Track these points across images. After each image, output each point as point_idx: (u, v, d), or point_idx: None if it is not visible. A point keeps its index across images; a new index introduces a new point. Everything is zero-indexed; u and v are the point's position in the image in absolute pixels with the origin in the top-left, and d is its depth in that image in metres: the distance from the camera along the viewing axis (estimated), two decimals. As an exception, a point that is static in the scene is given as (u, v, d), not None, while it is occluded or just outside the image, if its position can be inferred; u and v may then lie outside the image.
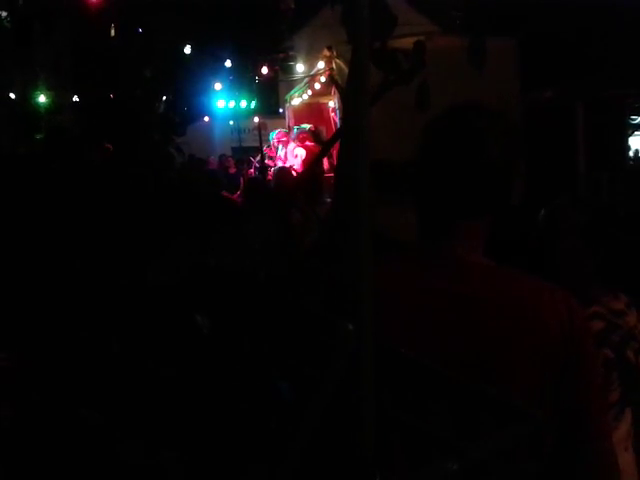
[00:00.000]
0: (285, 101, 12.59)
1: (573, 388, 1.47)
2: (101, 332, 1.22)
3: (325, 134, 12.28)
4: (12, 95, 9.09)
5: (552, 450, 1.44)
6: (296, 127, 11.72)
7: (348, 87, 1.02)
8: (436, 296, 1.48)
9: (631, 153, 10.13)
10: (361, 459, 0.97)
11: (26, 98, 9.33)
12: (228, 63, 9.74)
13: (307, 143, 10.56)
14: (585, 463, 1.49)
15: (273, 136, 11.39)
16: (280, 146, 11.19)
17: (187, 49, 9.72)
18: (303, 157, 10.11)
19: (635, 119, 11.39)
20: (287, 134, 11.40)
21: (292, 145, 10.79)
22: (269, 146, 11.35)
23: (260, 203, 4.41)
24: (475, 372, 1.39)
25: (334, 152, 11.40)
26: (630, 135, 10.50)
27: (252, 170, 12.05)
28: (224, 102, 12.92)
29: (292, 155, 10.48)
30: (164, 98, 8.92)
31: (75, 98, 9.66)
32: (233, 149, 15.40)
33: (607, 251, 2.32)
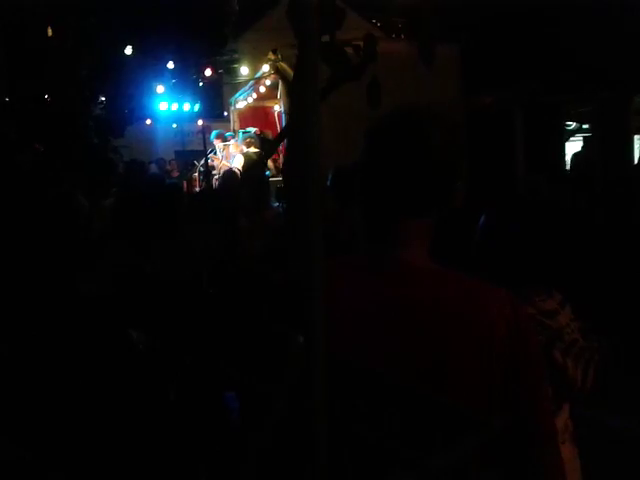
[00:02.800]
0: (230, 104, 12.46)
1: (519, 388, 1.46)
2: (23, 349, 1.13)
3: (271, 138, 12.21)
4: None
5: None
6: (241, 131, 11.60)
7: (295, 84, 0.98)
8: (382, 301, 1.45)
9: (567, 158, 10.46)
10: (314, 474, 0.91)
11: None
12: (170, 65, 9.55)
13: (251, 149, 10.45)
14: (532, 465, 1.49)
15: (213, 137, 11.21)
16: (219, 149, 11.03)
17: (128, 50, 9.49)
18: (242, 163, 9.98)
19: (571, 125, 11.79)
20: (221, 136, 11.25)
21: (232, 149, 10.65)
22: (214, 152, 11.17)
23: (203, 210, 4.31)
24: (425, 378, 1.37)
25: (279, 155, 11.37)
26: (566, 140, 10.84)
27: (196, 174, 11.86)
28: (167, 104, 12.68)
29: (232, 159, 10.35)
30: (102, 99, 8.65)
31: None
32: (176, 152, 15.11)
33: (542, 249, 2.34)
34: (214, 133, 11.32)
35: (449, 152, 1.51)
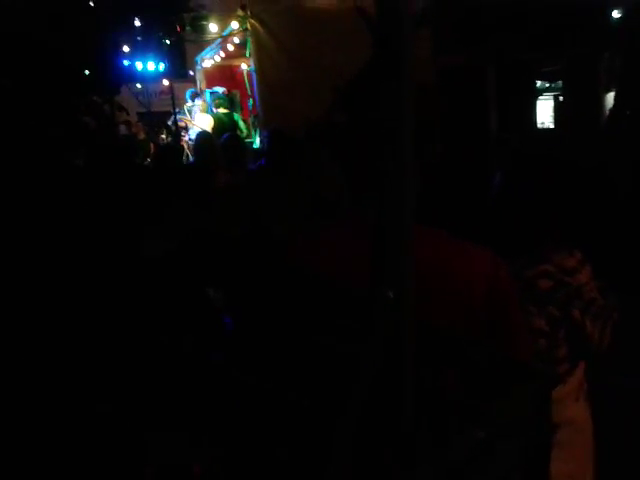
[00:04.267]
0: (195, 63, 12.13)
1: (498, 340, 1.53)
2: (104, 317, 1.10)
3: (239, 98, 11.98)
4: None
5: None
6: (208, 90, 11.34)
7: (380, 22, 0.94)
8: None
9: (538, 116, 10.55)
10: (402, 432, 0.92)
11: None
12: (137, 22, 9.21)
13: (220, 110, 10.23)
14: None
15: (188, 96, 10.92)
16: (187, 110, 10.78)
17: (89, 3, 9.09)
18: (211, 124, 9.77)
19: (541, 83, 11.86)
20: (196, 94, 11.00)
21: (200, 109, 10.42)
22: (182, 113, 10.90)
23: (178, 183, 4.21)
24: None
25: (250, 115, 11.16)
26: (536, 98, 10.91)
27: (164, 135, 11.60)
28: (129, 64, 12.27)
29: (199, 120, 10.13)
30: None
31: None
32: (139, 114, 14.70)
33: (558, 207, 2.37)
34: (189, 92, 11.03)
35: (422, 112, 1.53)
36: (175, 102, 10.66)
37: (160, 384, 0.99)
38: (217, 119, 10.00)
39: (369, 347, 0.86)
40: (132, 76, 11.75)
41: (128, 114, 9.84)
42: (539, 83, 11.73)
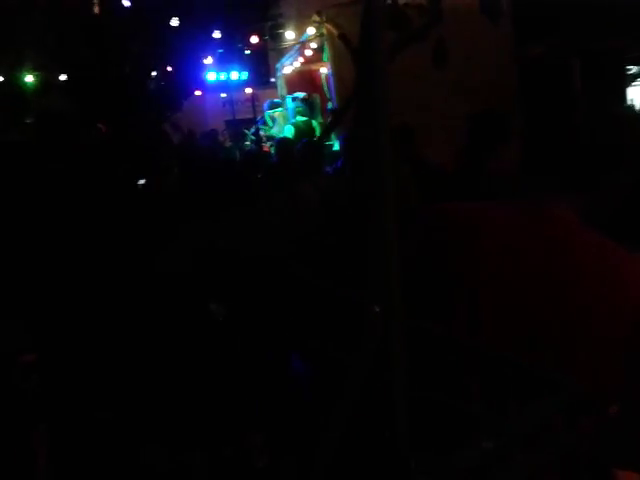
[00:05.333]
0: (276, 70, 12.39)
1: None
2: (113, 327, 1.19)
3: (319, 101, 12.12)
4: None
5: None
6: (289, 96, 11.55)
7: (360, 50, 0.97)
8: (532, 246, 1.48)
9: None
10: (394, 444, 0.93)
11: (12, 79, 9.13)
12: (217, 34, 9.55)
13: (298, 118, 10.44)
14: None
15: (267, 109, 11.22)
16: (274, 119, 11.06)
17: (174, 22, 9.52)
18: (292, 133, 9.97)
19: (631, 69, 11.21)
20: (274, 105, 11.27)
21: (281, 119, 10.68)
22: (264, 121, 11.20)
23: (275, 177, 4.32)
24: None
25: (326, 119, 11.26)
26: (628, 86, 10.33)
27: (248, 142, 11.91)
28: (215, 75, 12.73)
29: (278, 129, 10.39)
30: (154, 74, 8.74)
31: (62, 77, 9.45)
32: (227, 122, 15.19)
33: None
34: (267, 103, 11.34)
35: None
36: (256, 109, 10.94)
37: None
38: (296, 127, 10.21)
39: (356, 362, 0.88)
40: (216, 86, 12.16)
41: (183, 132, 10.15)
42: (635, 69, 11.09)
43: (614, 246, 1.45)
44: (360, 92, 0.95)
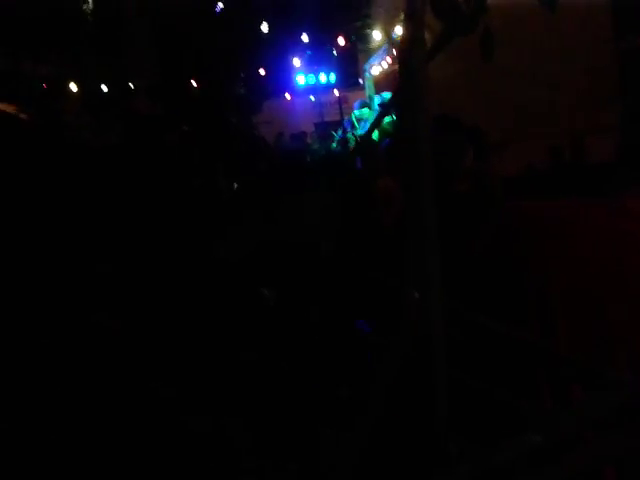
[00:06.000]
0: (364, 71, 12.42)
1: None
2: (170, 307, 1.26)
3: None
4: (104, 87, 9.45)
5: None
6: (376, 96, 11.54)
7: (403, 39, 0.97)
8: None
9: None
10: (434, 431, 0.93)
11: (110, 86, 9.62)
12: (305, 38, 9.69)
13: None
14: None
15: (357, 108, 11.24)
16: (360, 120, 11.06)
17: (264, 27, 9.75)
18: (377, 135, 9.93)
19: None
20: (364, 104, 11.25)
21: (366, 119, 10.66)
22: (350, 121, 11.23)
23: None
24: None
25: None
26: None
27: (335, 144, 11.99)
28: (304, 78, 12.90)
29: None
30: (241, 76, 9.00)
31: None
32: (316, 125, 15.36)
33: None
34: (358, 102, 11.38)
35: None
36: (343, 111, 10.99)
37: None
38: (380, 128, 10.16)
39: (393, 347, 0.89)
40: (305, 89, 12.32)
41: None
42: None
43: None
44: (401, 92, 0.96)
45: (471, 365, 1.19)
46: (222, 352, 1.14)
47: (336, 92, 12.51)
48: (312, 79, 12.51)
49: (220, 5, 7.88)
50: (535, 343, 1.21)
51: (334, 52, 11.10)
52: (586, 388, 1.18)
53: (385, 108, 10.58)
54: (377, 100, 11.34)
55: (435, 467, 0.92)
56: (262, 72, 8.77)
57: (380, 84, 12.35)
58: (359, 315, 1.03)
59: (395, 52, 10.58)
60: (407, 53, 0.91)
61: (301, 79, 12.92)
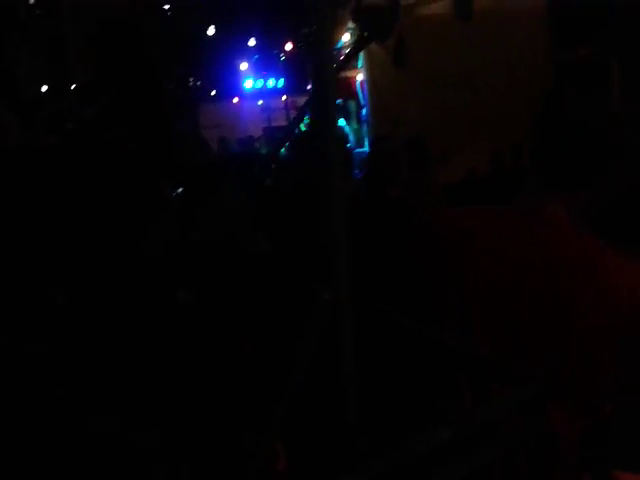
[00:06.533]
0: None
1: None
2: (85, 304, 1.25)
3: (354, 107, 12.17)
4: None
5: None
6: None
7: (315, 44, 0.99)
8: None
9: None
10: (345, 425, 0.95)
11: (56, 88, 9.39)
12: (252, 42, 9.69)
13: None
14: None
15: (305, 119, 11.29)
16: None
17: (211, 30, 9.71)
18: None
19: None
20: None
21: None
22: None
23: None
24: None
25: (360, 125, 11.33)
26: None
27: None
28: (252, 82, 12.90)
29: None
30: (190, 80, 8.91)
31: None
32: (264, 129, 15.36)
33: None
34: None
35: None
36: (291, 116, 11.03)
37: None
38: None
39: (304, 347, 0.90)
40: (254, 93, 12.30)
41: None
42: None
43: (596, 241, 1.46)
44: (315, 96, 0.99)
45: (391, 366, 1.23)
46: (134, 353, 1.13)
47: (284, 97, 12.54)
48: (260, 83, 12.51)
49: (166, 6, 7.81)
50: (456, 344, 1.24)
51: (282, 57, 11.14)
52: (503, 385, 1.22)
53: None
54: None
55: (344, 465, 0.94)
56: (203, 74, 8.72)
57: (328, 90, 12.42)
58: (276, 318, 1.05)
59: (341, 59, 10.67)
60: (319, 57, 0.93)
61: (249, 83, 12.92)
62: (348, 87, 12.73)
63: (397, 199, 3.13)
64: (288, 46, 10.77)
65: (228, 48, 10.28)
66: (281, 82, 12.55)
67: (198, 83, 9.61)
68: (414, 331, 1.16)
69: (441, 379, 1.29)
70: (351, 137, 10.51)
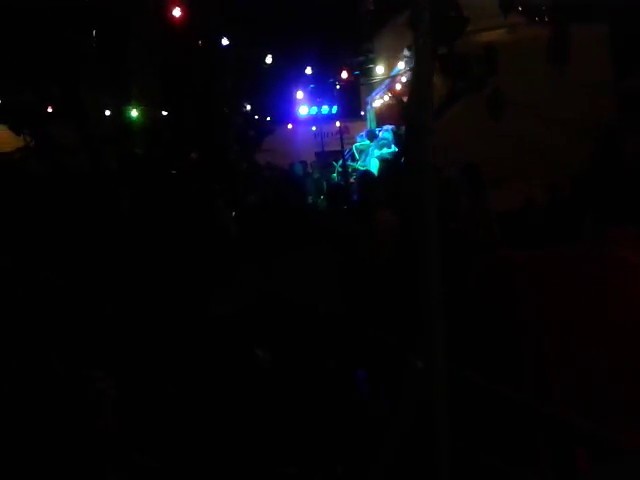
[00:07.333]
0: (366, 104, 12.54)
1: None
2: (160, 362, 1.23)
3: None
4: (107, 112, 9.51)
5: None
6: (377, 128, 11.64)
7: (411, 97, 0.97)
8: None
9: None
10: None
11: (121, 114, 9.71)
12: (309, 70, 9.81)
13: (384, 150, 10.51)
14: None
15: (365, 135, 11.38)
16: (362, 152, 11.20)
17: (268, 59, 9.87)
18: (378, 167, 10.04)
19: None
20: (369, 134, 11.41)
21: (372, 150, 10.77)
22: (351, 153, 11.37)
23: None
24: None
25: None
26: None
27: (335, 174, 12.06)
28: (306, 109, 13.04)
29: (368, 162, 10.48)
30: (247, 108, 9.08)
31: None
32: (317, 154, 15.46)
33: None
34: (364, 132, 11.54)
35: None
36: (344, 142, 11.08)
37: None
38: (381, 160, 10.26)
39: (396, 418, 0.86)
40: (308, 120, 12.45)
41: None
42: None
43: None
44: (409, 145, 0.95)
45: (468, 429, 1.17)
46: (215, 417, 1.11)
47: (337, 123, 12.62)
48: (314, 110, 12.64)
49: (225, 41, 7.98)
50: (535, 405, 1.18)
51: (337, 85, 11.24)
52: (592, 454, 1.15)
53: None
54: (376, 130, 11.48)
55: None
56: (263, 109, 8.87)
57: (381, 116, 12.46)
58: (357, 377, 1.01)
59: (398, 86, 10.71)
60: (414, 112, 0.90)
61: (304, 110, 13.05)
62: (401, 113, 12.73)
63: (457, 231, 3.05)
64: (344, 74, 10.85)
65: (284, 77, 10.45)
66: (335, 109, 12.64)
67: (257, 117, 9.78)
68: (502, 396, 1.10)
69: (523, 445, 1.23)
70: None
